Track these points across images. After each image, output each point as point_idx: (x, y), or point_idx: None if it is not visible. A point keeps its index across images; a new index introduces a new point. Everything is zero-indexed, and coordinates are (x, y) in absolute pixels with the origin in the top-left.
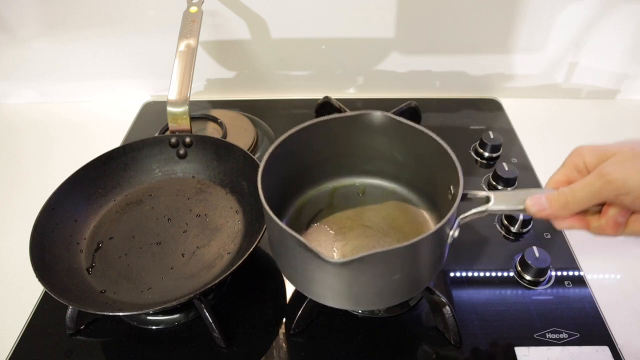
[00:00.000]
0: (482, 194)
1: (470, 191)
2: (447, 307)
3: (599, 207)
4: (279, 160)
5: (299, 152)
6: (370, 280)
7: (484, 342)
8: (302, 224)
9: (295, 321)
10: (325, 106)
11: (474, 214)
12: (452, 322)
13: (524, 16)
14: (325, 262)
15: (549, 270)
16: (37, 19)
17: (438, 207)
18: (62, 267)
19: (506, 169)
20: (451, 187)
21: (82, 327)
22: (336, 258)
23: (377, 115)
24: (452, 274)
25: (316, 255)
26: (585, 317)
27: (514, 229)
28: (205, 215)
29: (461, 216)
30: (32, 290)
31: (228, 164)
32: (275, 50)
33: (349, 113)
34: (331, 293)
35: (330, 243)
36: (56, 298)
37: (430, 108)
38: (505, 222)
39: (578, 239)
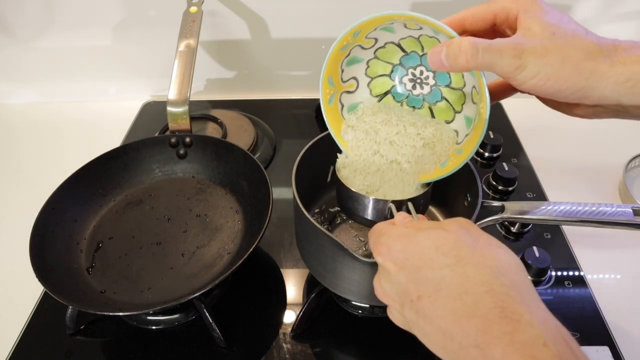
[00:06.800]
0: (497, 203)
1: (487, 201)
2: None
3: None
4: (307, 162)
5: (323, 155)
6: None
7: None
8: (325, 222)
9: (296, 321)
10: None
11: (490, 221)
12: None
13: None
14: (357, 261)
15: (549, 270)
16: (37, 19)
17: (449, 207)
18: (62, 267)
19: (506, 168)
20: (468, 195)
21: (82, 327)
22: (360, 256)
23: None
24: None
25: (349, 254)
26: (585, 317)
27: (514, 229)
28: (205, 215)
29: (478, 223)
30: (32, 290)
31: (228, 164)
32: (275, 50)
33: None
34: (356, 289)
35: (352, 241)
36: (56, 298)
37: None
38: (506, 223)
39: (578, 239)
